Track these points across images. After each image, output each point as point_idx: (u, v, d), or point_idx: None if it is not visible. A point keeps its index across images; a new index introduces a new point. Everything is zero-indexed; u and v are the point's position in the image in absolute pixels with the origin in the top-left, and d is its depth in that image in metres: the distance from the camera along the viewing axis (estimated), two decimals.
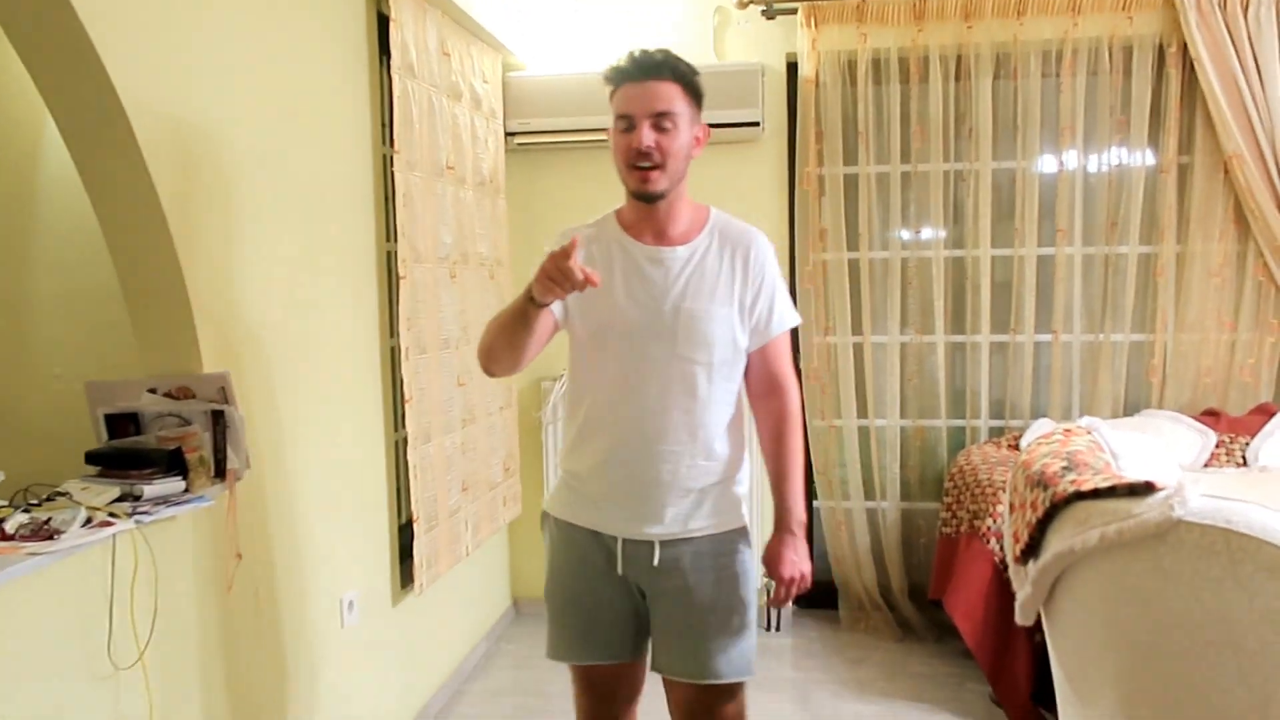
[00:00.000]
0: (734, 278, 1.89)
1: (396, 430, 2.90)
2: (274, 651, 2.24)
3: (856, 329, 3.85)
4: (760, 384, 1.98)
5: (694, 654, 1.91)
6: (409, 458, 2.86)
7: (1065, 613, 1.66)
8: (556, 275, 1.62)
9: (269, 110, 2.23)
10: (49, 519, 1.55)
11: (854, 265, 3.83)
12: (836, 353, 3.86)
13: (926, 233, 3.82)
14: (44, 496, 1.69)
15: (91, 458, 1.86)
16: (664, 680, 1.97)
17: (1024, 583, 1.72)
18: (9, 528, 1.54)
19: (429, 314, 2.99)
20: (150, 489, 1.77)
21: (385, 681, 2.83)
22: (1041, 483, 1.70)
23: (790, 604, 2.02)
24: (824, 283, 3.84)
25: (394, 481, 2.90)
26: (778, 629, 3.91)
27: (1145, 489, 1.51)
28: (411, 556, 2.87)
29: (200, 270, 1.97)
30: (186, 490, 1.87)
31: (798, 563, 1.96)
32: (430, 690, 3.15)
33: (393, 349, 2.87)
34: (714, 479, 1.92)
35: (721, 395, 1.91)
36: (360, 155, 2.70)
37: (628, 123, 1.81)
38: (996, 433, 3.86)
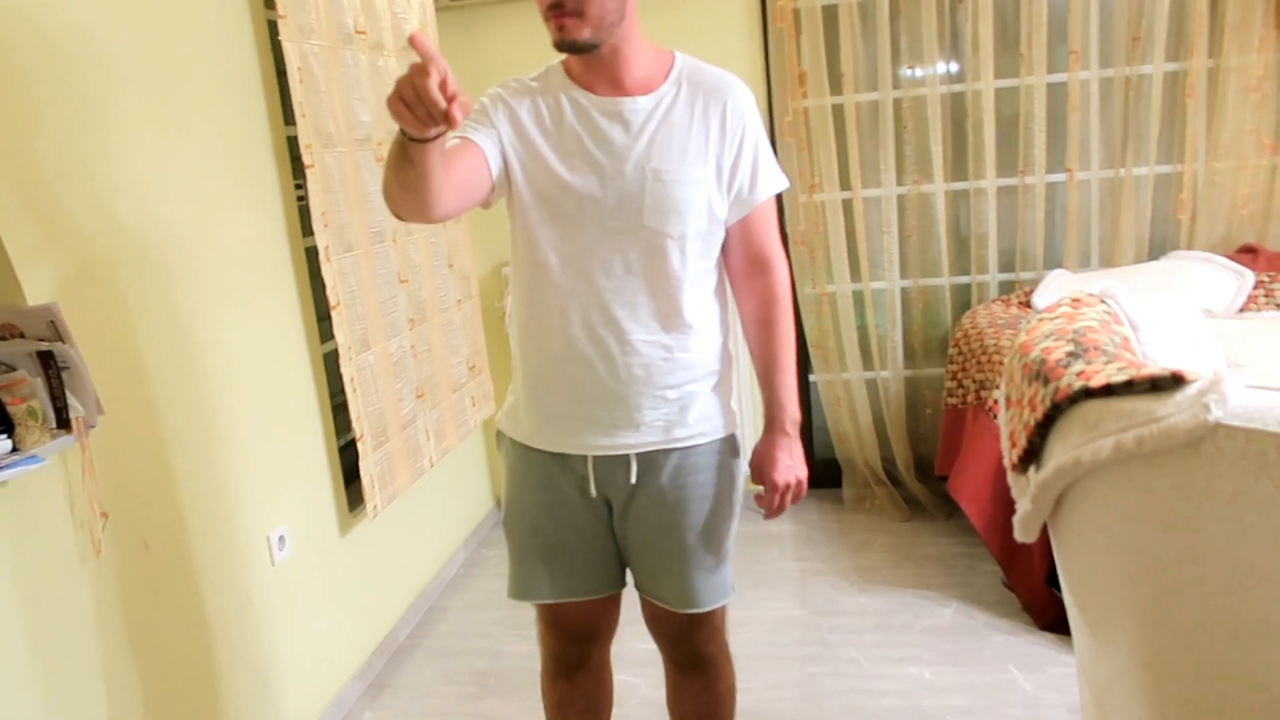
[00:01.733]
0: (708, 135, 1.57)
1: (324, 342, 2.58)
2: (183, 608, 1.99)
3: (845, 184, 3.44)
4: (742, 262, 1.68)
5: (673, 581, 1.70)
6: (343, 370, 2.54)
7: (1073, 533, 1.35)
8: (409, 96, 1.15)
9: None
10: None
11: (839, 111, 3.39)
12: (825, 212, 3.46)
13: (920, 68, 3.35)
14: None
15: None
16: (639, 592, 1.77)
17: (1023, 495, 1.40)
18: None
19: (352, 205, 2.62)
20: None
21: (340, 614, 2.60)
22: (1041, 374, 1.35)
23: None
24: (807, 134, 3.41)
25: (327, 399, 2.60)
26: None
27: (1172, 382, 1.16)
28: (359, 478, 2.60)
29: (14, 180, 1.61)
30: (15, 450, 1.57)
31: (793, 467, 1.70)
32: (396, 614, 2.93)
33: (308, 250, 2.51)
34: (696, 376, 1.64)
35: (698, 275, 1.62)
36: (232, 24, 2.28)
37: None
38: (1007, 288, 3.48)
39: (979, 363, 2.97)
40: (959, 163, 3.44)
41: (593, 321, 1.58)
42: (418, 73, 1.14)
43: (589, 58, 1.55)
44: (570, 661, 1.85)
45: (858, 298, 3.55)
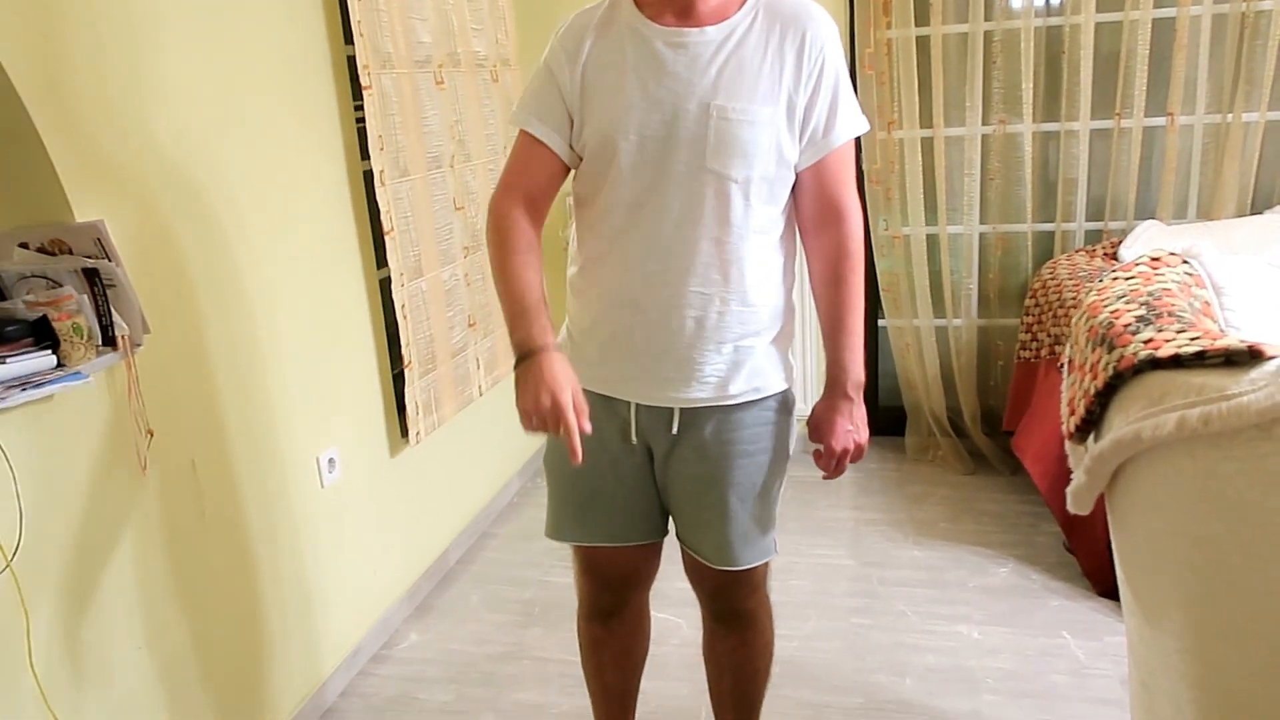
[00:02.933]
0: (782, 70, 1.46)
1: (380, 267, 2.57)
2: (229, 527, 2.02)
3: (926, 121, 3.27)
4: (814, 210, 1.55)
5: (713, 536, 1.64)
6: (394, 296, 2.54)
7: (1129, 512, 1.26)
8: (546, 420, 1.38)
9: None
10: None
11: (924, 43, 3.21)
12: (904, 150, 3.30)
13: None
14: None
15: None
16: (678, 540, 1.73)
17: (1079, 466, 1.31)
18: None
19: (409, 129, 2.59)
20: (3, 369, 1.48)
21: (388, 537, 2.63)
22: (1107, 340, 1.26)
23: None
24: (889, 66, 3.24)
25: (382, 325, 2.59)
26: None
27: (1249, 357, 1.06)
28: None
29: (64, 99, 1.60)
30: (60, 365, 1.59)
31: (852, 433, 1.61)
32: (446, 540, 2.97)
33: (365, 174, 2.49)
34: (754, 330, 1.55)
35: (763, 223, 1.52)
36: None
37: None
38: (1093, 238, 3.30)
39: (1055, 316, 2.82)
40: (1051, 102, 3.24)
41: (649, 269, 1.51)
42: (564, 413, 1.36)
43: None
44: (605, 606, 1.82)
45: (933, 241, 3.40)
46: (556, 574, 2.90)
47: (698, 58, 1.45)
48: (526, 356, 1.43)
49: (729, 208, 1.47)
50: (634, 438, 1.62)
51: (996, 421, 3.40)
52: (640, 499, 1.68)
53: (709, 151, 1.44)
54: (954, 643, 2.42)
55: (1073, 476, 1.34)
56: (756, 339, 1.56)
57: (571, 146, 1.55)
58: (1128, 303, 1.30)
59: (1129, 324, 1.24)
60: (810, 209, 1.55)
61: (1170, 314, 1.23)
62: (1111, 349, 1.23)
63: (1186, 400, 1.08)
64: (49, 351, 1.57)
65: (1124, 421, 1.17)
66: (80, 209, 1.65)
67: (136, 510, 1.77)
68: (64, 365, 1.59)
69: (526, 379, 1.41)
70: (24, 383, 1.51)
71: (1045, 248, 3.36)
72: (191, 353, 1.92)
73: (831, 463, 1.64)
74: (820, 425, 1.64)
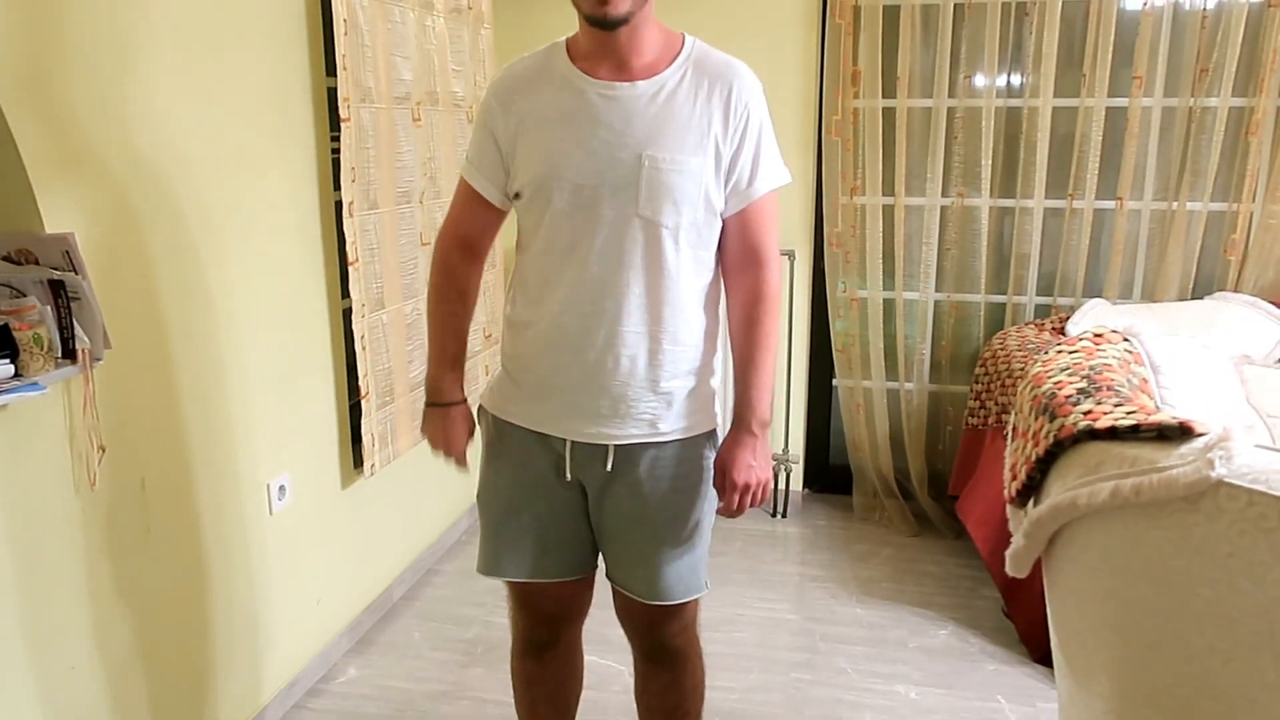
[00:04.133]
0: (710, 122, 1.52)
1: (344, 297, 2.58)
2: (176, 547, 2.00)
3: (889, 189, 3.38)
4: (737, 255, 1.62)
5: (643, 571, 1.67)
6: (354, 327, 2.55)
7: (1063, 575, 1.31)
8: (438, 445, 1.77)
9: None
10: None
11: (890, 114, 3.32)
12: (865, 215, 3.40)
13: (979, 77, 3.27)
14: None
15: None
16: (609, 579, 1.75)
17: (1018, 529, 1.36)
18: None
19: (382, 163, 2.62)
20: None
21: (334, 568, 2.61)
22: (1049, 409, 1.31)
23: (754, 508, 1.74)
24: (854, 134, 3.35)
25: (343, 355, 2.60)
26: (784, 515, 3.62)
27: (1180, 432, 1.12)
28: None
29: (41, 108, 1.62)
30: (18, 375, 1.58)
31: (755, 468, 1.62)
32: (391, 575, 2.95)
33: (337, 204, 2.51)
34: (686, 370, 1.62)
35: (693, 267, 1.58)
36: None
37: None
38: (1043, 311, 3.41)
39: (1003, 385, 2.91)
40: (1008, 179, 3.36)
41: (583, 310, 1.56)
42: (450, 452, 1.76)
43: (602, 37, 1.50)
44: (539, 641, 1.84)
45: (889, 306, 3.49)
46: (500, 614, 2.88)
47: (630, 110, 1.51)
48: (436, 404, 1.74)
49: (660, 252, 1.53)
50: (568, 474, 1.65)
51: (943, 485, 3.47)
52: (572, 534, 1.72)
53: (641, 199, 1.50)
54: (892, 701, 2.45)
55: (1012, 540, 1.39)
56: (688, 378, 1.62)
57: (507, 194, 1.64)
58: (1070, 375, 1.36)
59: (1070, 395, 1.30)
60: (733, 254, 1.61)
61: (1110, 388, 1.29)
62: (1053, 418, 1.28)
63: (1120, 470, 1.13)
64: (7, 360, 1.57)
65: (1062, 488, 1.23)
66: (51, 220, 1.65)
67: (84, 525, 1.75)
68: (21, 375, 1.58)
69: (432, 422, 1.75)
70: None
71: (997, 318, 3.46)
72: (151, 370, 1.91)
73: (734, 498, 1.62)
74: (724, 460, 1.63)
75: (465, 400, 1.77)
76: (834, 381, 3.61)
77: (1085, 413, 1.23)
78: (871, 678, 2.56)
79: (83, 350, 1.67)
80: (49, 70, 1.64)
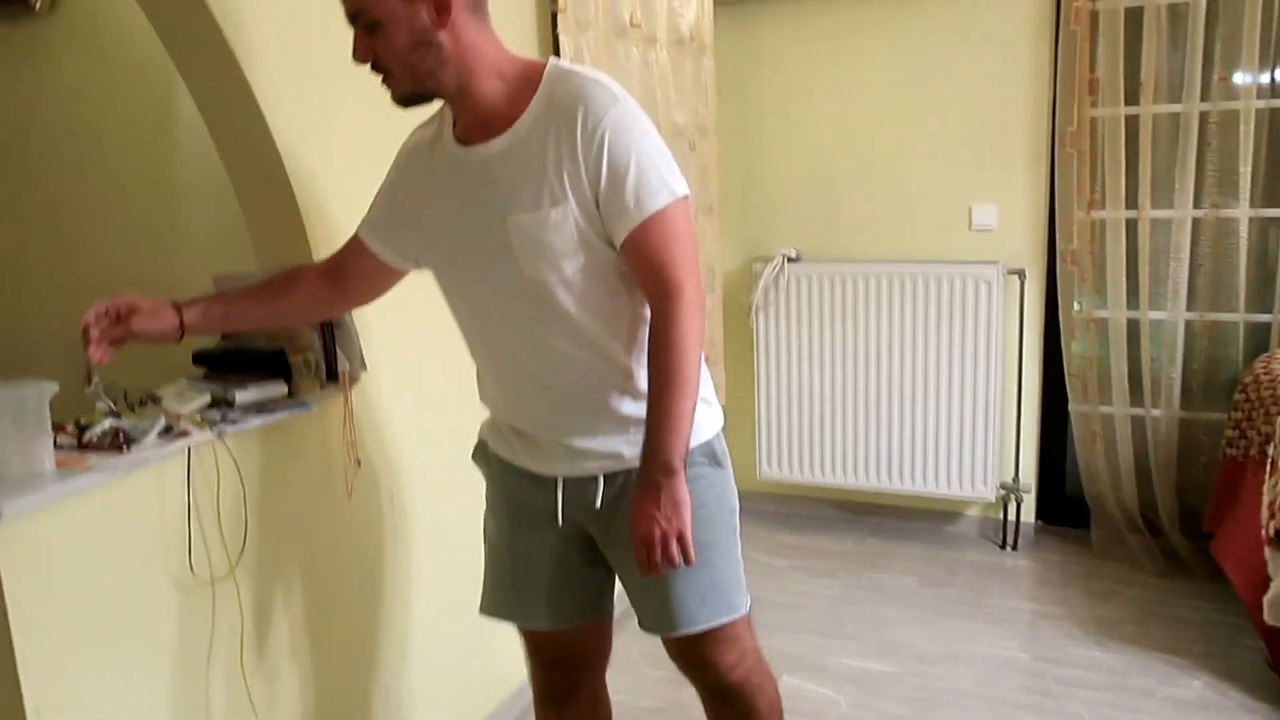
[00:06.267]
0: (562, 162, 1.38)
1: None
2: (416, 560, 2.16)
3: (1131, 202, 3.16)
4: (642, 283, 1.44)
5: (661, 604, 1.56)
6: None
7: None
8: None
9: None
10: (120, 429, 1.48)
11: (1132, 123, 3.11)
12: (1105, 231, 3.19)
13: (1237, 76, 3.00)
14: (138, 400, 1.64)
15: (199, 358, 1.80)
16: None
17: (1277, 572, 1.23)
18: (91, 435, 1.49)
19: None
20: (244, 394, 1.67)
21: None
22: None
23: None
24: (1091, 145, 3.16)
25: None
26: (1014, 547, 3.44)
27: None
28: None
29: (313, 157, 1.82)
30: (290, 395, 1.77)
31: (656, 519, 1.40)
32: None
33: None
34: (640, 396, 1.50)
35: (608, 305, 1.47)
36: (517, 16, 2.43)
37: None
38: None
39: (1268, 413, 2.64)
40: (1272, 185, 3.06)
41: (520, 371, 1.54)
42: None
43: (450, 102, 1.47)
44: (555, 691, 1.78)
45: (1132, 326, 3.25)
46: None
47: (490, 174, 1.44)
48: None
49: (560, 305, 1.45)
50: (559, 518, 1.58)
51: (1196, 521, 3.18)
52: (575, 579, 1.66)
53: (520, 262, 1.43)
54: None
55: (1272, 584, 1.26)
56: (644, 400, 1.47)
57: (403, 254, 1.62)
58: None
59: None
60: (640, 283, 1.45)
61: None
62: None
63: None
64: (282, 381, 1.76)
65: None
66: (318, 255, 1.85)
67: (342, 534, 1.93)
68: (293, 395, 1.78)
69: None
70: (260, 407, 1.70)
71: (1259, 339, 3.15)
72: (402, 394, 2.08)
73: (641, 553, 1.42)
74: (631, 512, 1.45)
75: (180, 315, 1.57)
76: (1068, 408, 3.40)
77: None
78: None
79: (344, 373, 1.85)
80: (322, 123, 1.84)
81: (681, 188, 1.42)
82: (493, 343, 1.56)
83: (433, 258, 1.58)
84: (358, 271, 1.66)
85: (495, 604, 1.72)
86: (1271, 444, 2.55)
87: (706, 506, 1.54)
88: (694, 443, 1.52)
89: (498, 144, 1.43)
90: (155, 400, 1.63)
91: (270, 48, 1.74)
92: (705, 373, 1.55)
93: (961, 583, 3.20)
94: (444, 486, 2.23)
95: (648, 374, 1.44)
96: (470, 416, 2.28)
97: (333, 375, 1.84)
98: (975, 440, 3.38)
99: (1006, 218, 3.35)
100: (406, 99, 1.43)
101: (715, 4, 3.35)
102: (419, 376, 2.13)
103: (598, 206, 1.40)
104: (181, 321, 1.56)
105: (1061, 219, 3.21)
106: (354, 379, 1.87)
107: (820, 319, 3.52)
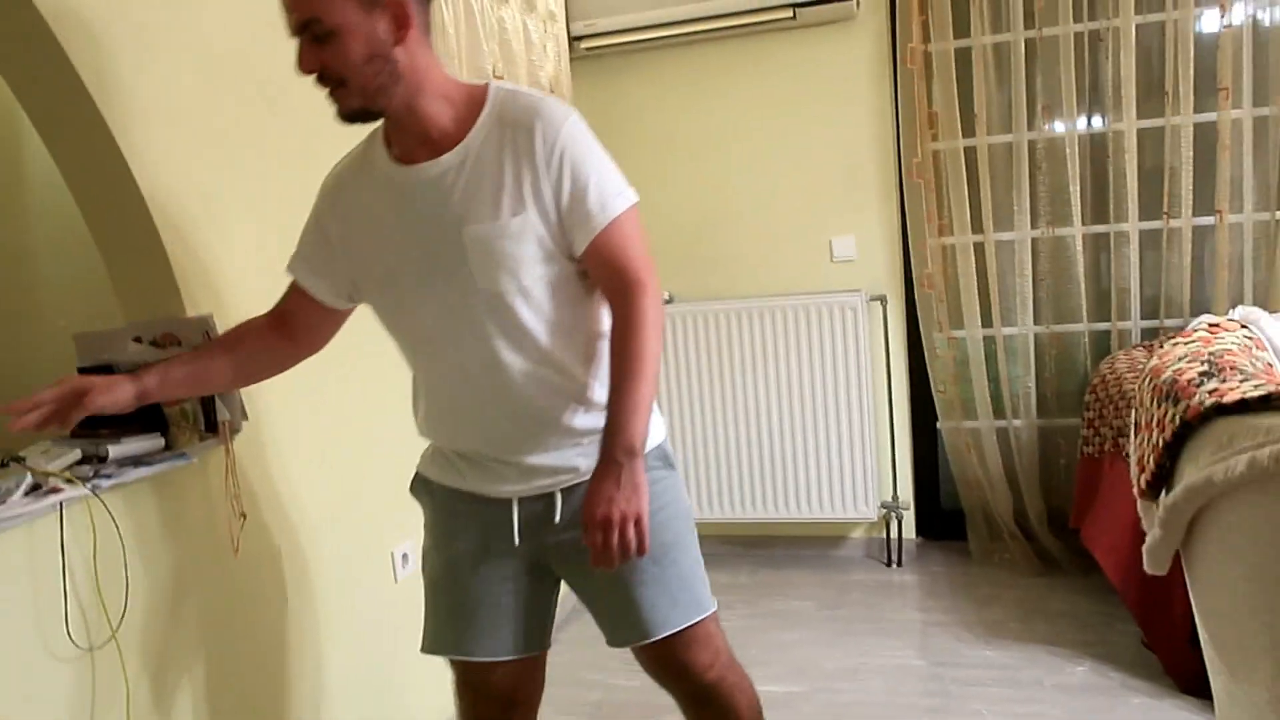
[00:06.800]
0: (520, 174, 1.42)
1: None
2: (310, 614, 2.08)
3: (977, 227, 3.37)
4: (605, 284, 1.50)
5: (634, 613, 1.56)
6: None
7: (1207, 562, 1.27)
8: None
9: (251, 31, 1.99)
10: None
11: (970, 153, 3.34)
12: (954, 255, 3.39)
13: (1058, 109, 3.27)
14: (1, 462, 1.54)
15: None
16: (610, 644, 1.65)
17: (1152, 522, 1.33)
18: None
19: None
20: (117, 449, 1.59)
21: None
22: (1172, 395, 1.30)
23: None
24: (936, 176, 3.37)
25: None
26: (899, 564, 3.55)
27: None
28: None
29: (180, 207, 1.77)
30: (168, 448, 1.69)
31: (616, 501, 1.39)
32: None
33: None
34: (593, 405, 1.52)
35: (559, 315, 1.49)
36: None
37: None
38: (1149, 335, 3.32)
39: (1117, 409, 2.83)
40: (1099, 205, 3.32)
41: (466, 395, 1.52)
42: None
43: (390, 122, 1.47)
44: None
45: (989, 343, 3.45)
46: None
47: (441, 188, 1.44)
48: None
49: (517, 317, 1.46)
50: (516, 538, 1.57)
51: (1063, 521, 3.36)
52: (525, 607, 1.63)
53: (476, 273, 1.44)
54: None
55: (1147, 535, 1.36)
56: (600, 412, 1.50)
57: (339, 293, 1.61)
58: (1190, 361, 1.35)
59: (1193, 379, 1.28)
60: (603, 284, 1.50)
61: (1232, 368, 1.27)
62: (1177, 402, 1.27)
63: (1255, 442, 1.11)
64: (158, 434, 1.68)
65: (1194, 470, 1.20)
66: (190, 303, 1.79)
67: (231, 590, 1.84)
68: (170, 448, 1.70)
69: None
70: (136, 461, 1.61)
71: (1102, 347, 3.39)
72: (284, 444, 2.02)
73: (595, 537, 1.40)
74: (586, 495, 1.44)
75: (138, 384, 1.50)
76: (938, 425, 3.56)
77: (1210, 391, 1.21)
78: (1010, 718, 2.46)
79: (224, 423, 1.78)
80: (187, 172, 1.80)
81: (633, 194, 1.49)
82: (441, 366, 1.53)
83: (371, 285, 1.55)
84: (301, 317, 1.64)
85: (439, 640, 1.65)
86: (1125, 436, 2.73)
87: (666, 508, 1.56)
88: (648, 445, 1.52)
89: (448, 160, 1.44)
90: (19, 460, 1.53)
91: (131, 94, 1.69)
92: None
93: (854, 601, 3.28)
94: (333, 535, 2.15)
95: (611, 362, 1.46)
96: (368, 461, 2.24)
97: (212, 426, 1.77)
98: (854, 463, 3.50)
99: (865, 248, 3.52)
100: (353, 114, 1.41)
101: (572, 57, 3.45)
102: (297, 425, 2.07)
103: (558, 215, 1.43)
104: (142, 389, 1.49)
105: (915, 246, 3.40)
106: (235, 429, 1.81)
107: (695, 358, 3.60)
